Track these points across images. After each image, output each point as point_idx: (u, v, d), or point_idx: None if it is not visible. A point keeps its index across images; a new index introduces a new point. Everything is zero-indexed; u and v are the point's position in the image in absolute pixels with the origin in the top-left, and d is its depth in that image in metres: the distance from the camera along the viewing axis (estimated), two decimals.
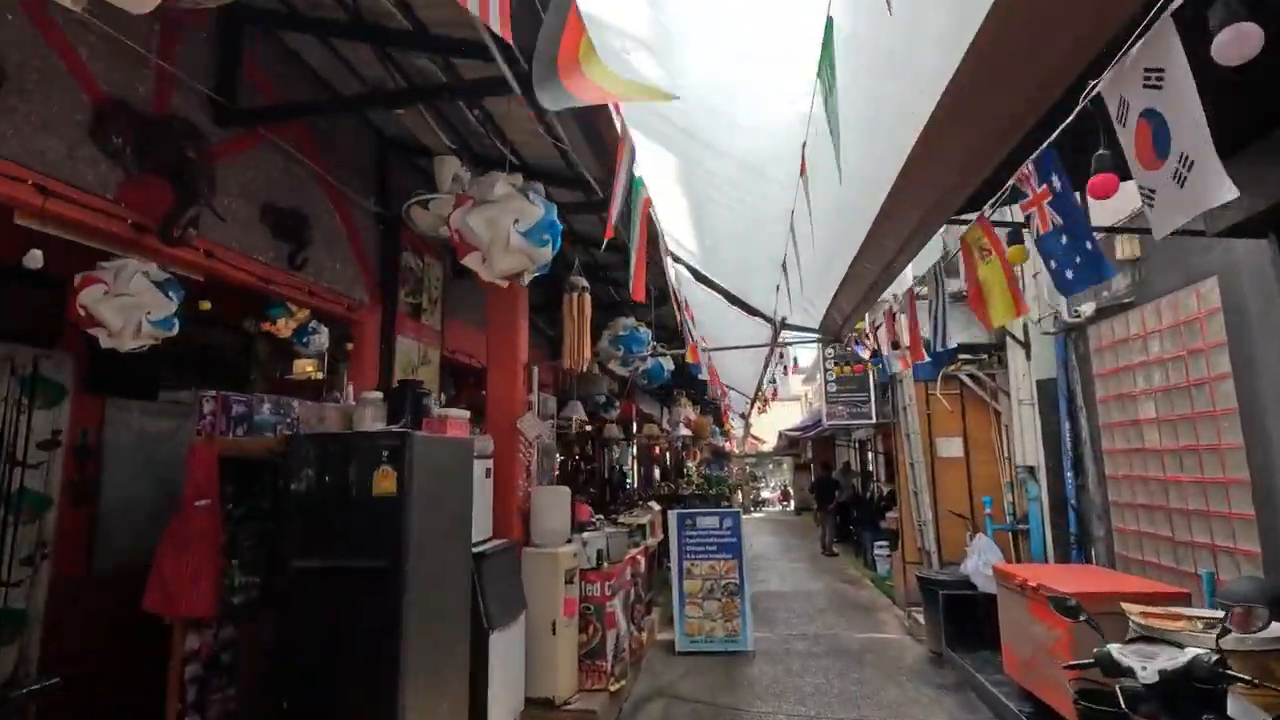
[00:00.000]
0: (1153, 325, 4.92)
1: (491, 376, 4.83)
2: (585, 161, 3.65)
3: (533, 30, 1.53)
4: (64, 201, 2.42)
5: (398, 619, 2.80)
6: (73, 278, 2.65)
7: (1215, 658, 2.25)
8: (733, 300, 4.67)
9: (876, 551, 10.07)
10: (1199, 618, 3.11)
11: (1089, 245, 2.73)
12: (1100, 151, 2.11)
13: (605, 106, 2.49)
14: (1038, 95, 1.92)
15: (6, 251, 2.65)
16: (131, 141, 2.58)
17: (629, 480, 11.64)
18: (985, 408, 7.83)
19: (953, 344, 7.78)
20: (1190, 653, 2.30)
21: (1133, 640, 2.70)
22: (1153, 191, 1.80)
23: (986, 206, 3.46)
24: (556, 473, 7.36)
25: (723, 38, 2.24)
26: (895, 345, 5.60)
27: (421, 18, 2.93)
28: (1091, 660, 2.61)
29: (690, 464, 19.96)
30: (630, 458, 11.78)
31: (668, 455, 19.38)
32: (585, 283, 3.93)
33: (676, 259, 4.63)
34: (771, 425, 27.01)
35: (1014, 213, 3.36)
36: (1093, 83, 1.98)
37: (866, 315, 4.91)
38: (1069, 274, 2.83)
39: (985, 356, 7.59)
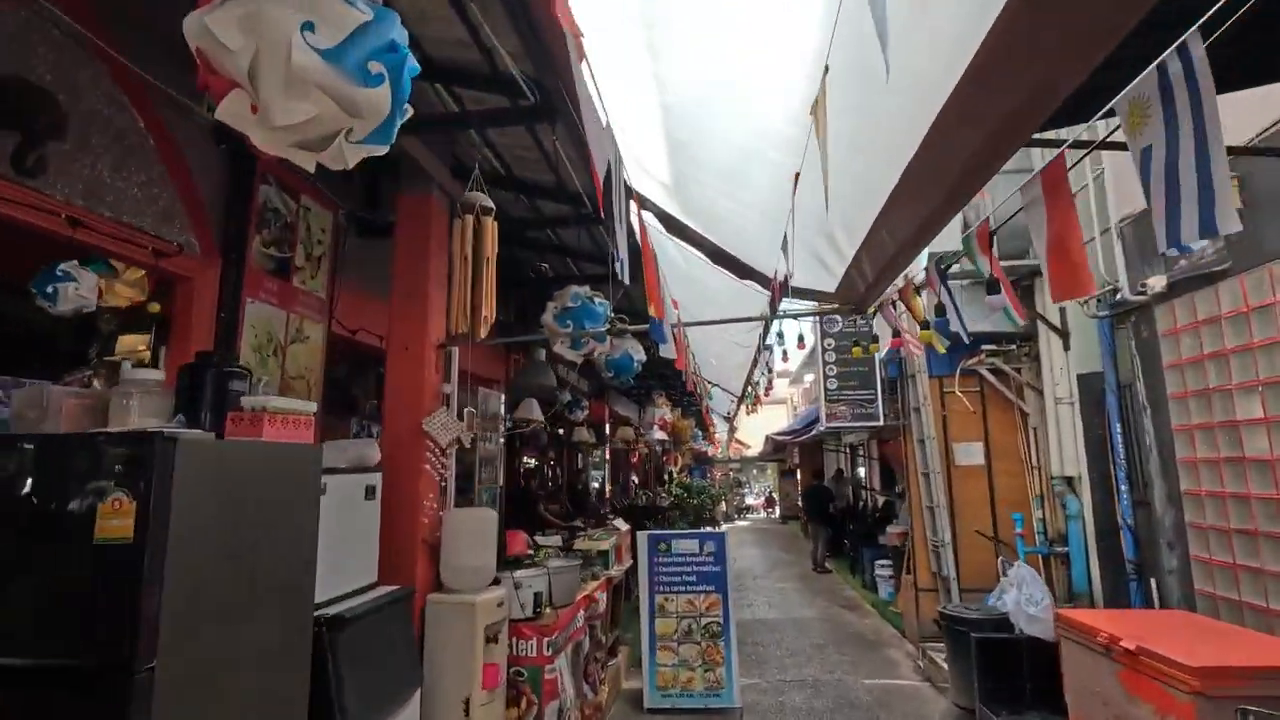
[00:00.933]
0: (1261, 298, 3.80)
1: (391, 359, 3.58)
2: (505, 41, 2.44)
3: None
4: None
5: None
6: None
7: None
8: (720, 258, 3.48)
9: (878, 572, 8.92)
10: None
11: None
12: None
13: None
14: None
15: None
16: None
17: (601, 491, 10.39)
18: (1010, 408, 6.71)
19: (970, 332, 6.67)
20: None
21: None
22: None
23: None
24: (501, 485, 6.14)
25: None
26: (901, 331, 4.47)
27: None
28: None
29: (672, 470, 18.77)
30: (603, 465, 10.55)
31: (648, 462, 18.17)
32: (488, 202, 2.69)
33: (644, 203, 3.43)
34: (757, 429, 25.91)
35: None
36: None
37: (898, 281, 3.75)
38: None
39: (1013, 348, 6.46)
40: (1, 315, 3.49)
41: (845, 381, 6.93)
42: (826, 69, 2.02)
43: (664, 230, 3.52)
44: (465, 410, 3.87)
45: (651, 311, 2.72)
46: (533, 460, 9.45)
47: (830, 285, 3.50)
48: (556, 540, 5.75)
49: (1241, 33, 2.01)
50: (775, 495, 29.16)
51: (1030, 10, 1.53)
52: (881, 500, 12.76)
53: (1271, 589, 3.72)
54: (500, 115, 3.04)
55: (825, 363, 6.97)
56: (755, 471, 41.47)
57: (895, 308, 4.27)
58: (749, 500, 31.25)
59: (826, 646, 6.85)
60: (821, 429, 8.51)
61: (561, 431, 11.52)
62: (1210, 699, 2.64)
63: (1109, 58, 1.69)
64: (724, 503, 21.28)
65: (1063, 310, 5.93)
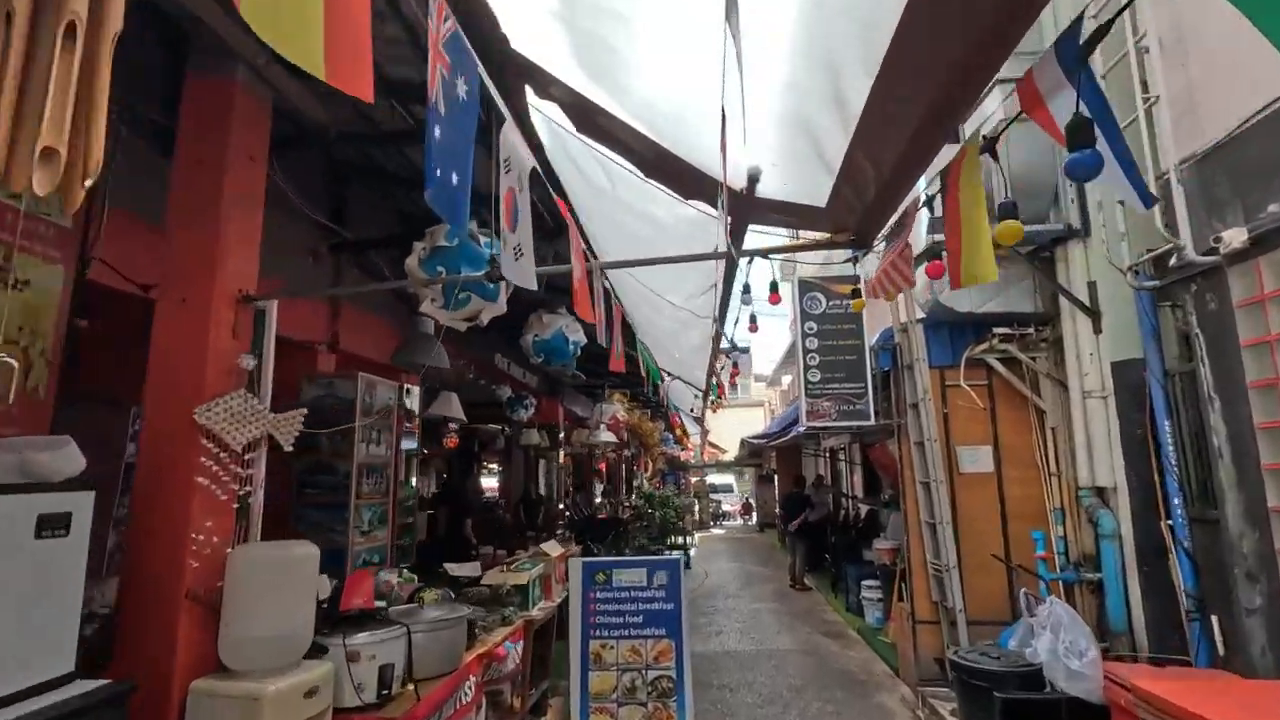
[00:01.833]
0: None
1: (160, 316, 2.39)
2: None
3: None
4: None
5: None
6: None
7: None
8: (653, 166, 2.33)
9: (865, 594, 7.83)
10: None
11: None
12: None
13: None
14: None
15: None
16: None
17: (554, 503, 9.18)
18: (1023, 405, 5.66)
19: (974, 307, 5.61)
20: None
21: None
22: None
23: None
24: (410, 499, 4.95)
25: None
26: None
27: None
28: None
29: (642, 477, 17.61)
30: (557, 472, 9.35)
31: (617, 468, 16.99)
32: None
33: (543, 83, 2.27)
34: (732, 433, 24.86)
35: None
36: None
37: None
38: None
39: (1031, 331, 5.41)
40: None
41: (830, 373, 5.83)
42: None
43: (576, 132, 2.37)
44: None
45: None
46: (491, 469, 8.23)
47: (818, 197, 2.36)
48: (473, 569, 4.58)
49: None
50: (752, 502, 28.12)
51: None
52: (865, 510, 11.73)
53: None
54: None
55: (806, 350, 5.87)
56: (733, 477, 40.45)
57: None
58: (725, 507, 30.16)
59: (807, 689, 5.73)
60: (801, 430, 7.42)
61: (506, 434, 10.33)
62: None
63: None
64: (696, 510, 20.18)
65: (1093, 285, 4.89)
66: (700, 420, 11.21)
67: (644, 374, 5.84)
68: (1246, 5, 1.03)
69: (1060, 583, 5.00)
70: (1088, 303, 4.90)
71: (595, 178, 2.69)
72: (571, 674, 4.02)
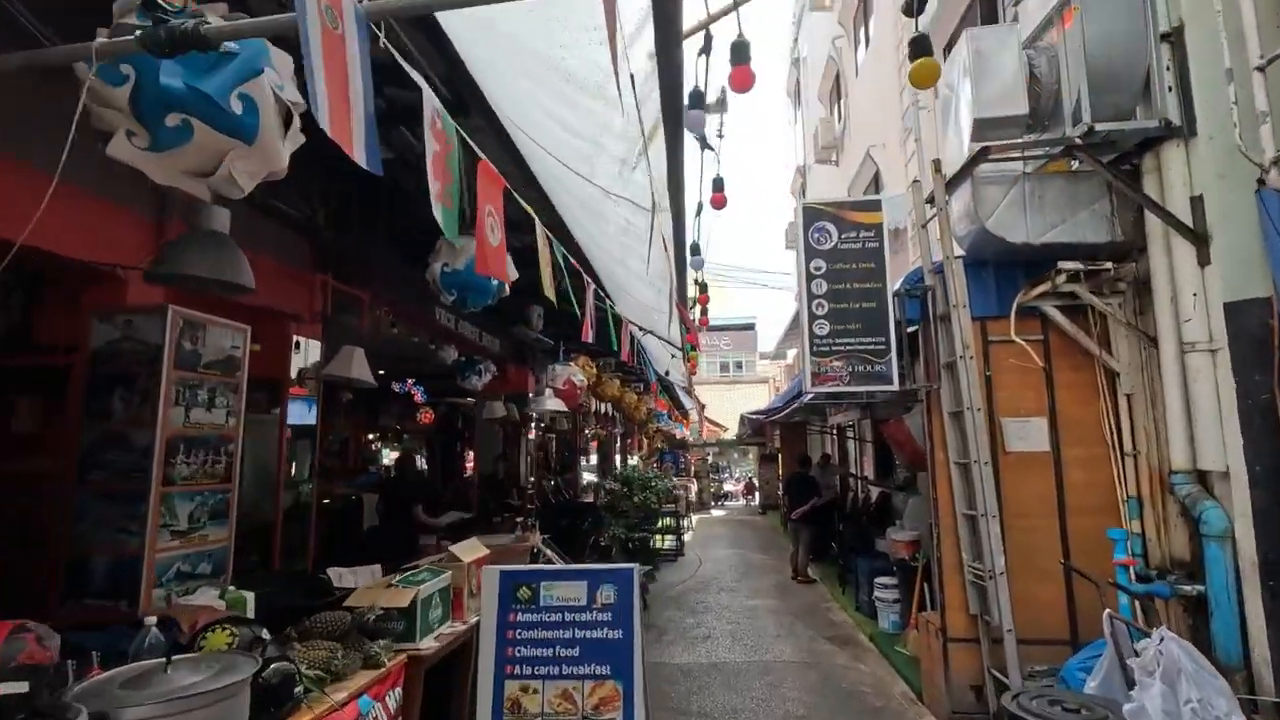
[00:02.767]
0: None
1: None
2: None
3: None
4: None
5: None
6: None
7: None
8: None
9: (878, 594, 6.68)
10: None
11: None
12: None
13: None
14: None
15: None
16: None
17: (523, 485, 8.04)
18: (1089, 364, 4.44)
19: (1032, 236, 4.30)
20: None
21: None
22: None
23: None
24: (306, 482, 3.85)
25: None
26: None
27: None
28: None
29: (635, 457, 16.50)
30: (526, 449, 8.19)
31: (613, 447, 15.88)
32: None
33: None
34: (736, 411, 23.68)
35: None
36: None
37: None
38: None
39: (1107, 268, 4.15)
40: None
41: (842, 325, 4.58)
42: None
43: None
44: None
45: None
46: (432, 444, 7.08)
47: None
48: (366, 577, 3.45)
49: None
50: (755, 481, 27.06)
51: None
52: (876, 494, 10.56)
53: None
54: None
55: (811, 296, 4.61)
56: (736, 456, 39.42)
57: None
58: (728, 486, 29.12)
59: (810, 718, 4.59)
60: (806, 399, 6.22)
61: (461, 405, 9.18)
62: None
63: None
64: (694, 491, 19.09)
65: (1198, 201, 3.63)
66: (689, 390, 10.02)
67: (612, 334, 4.64)
68: None
69: (1151, 598, 3.80)
70: (1190, 224, 3.64)
71: None
72: None
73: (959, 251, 4.51)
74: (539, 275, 3.02)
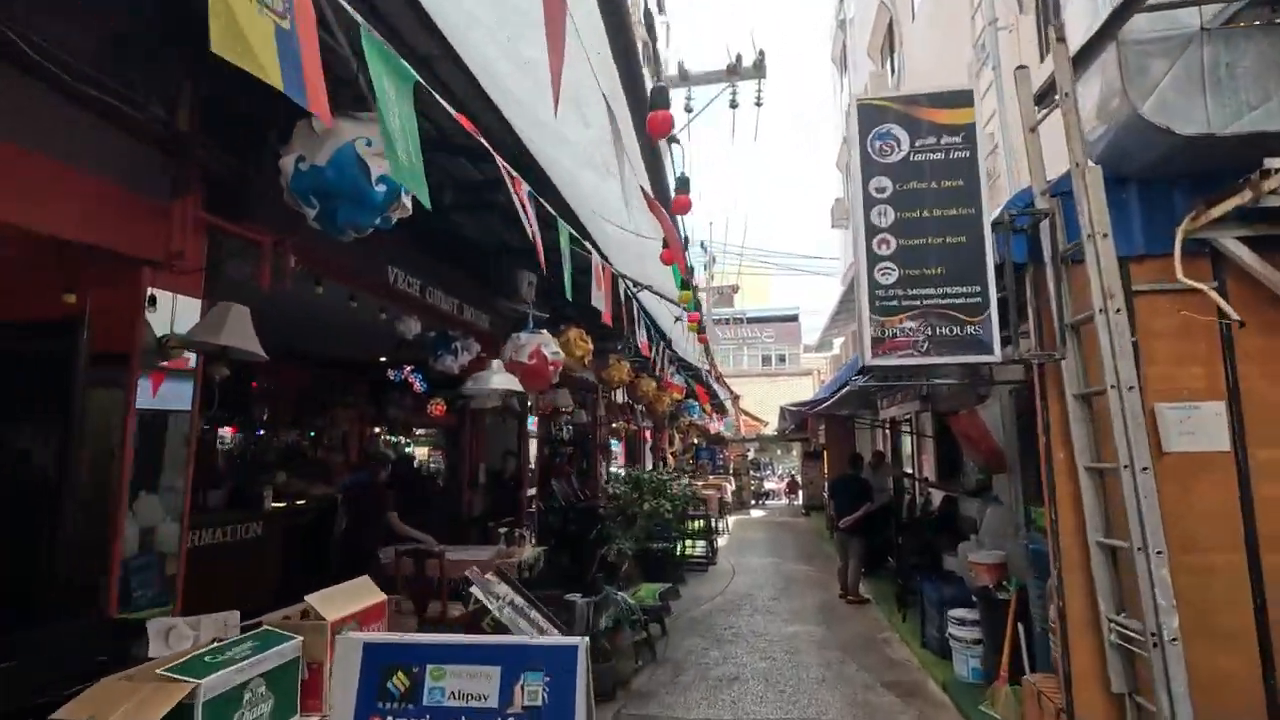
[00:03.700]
0: None
1: None
2: None
3: None
4: None
5: None
6: None
7: None
8: None
9: (953, 629, 5.26)
10: None
11: None
12: None
13: None
14: None
15: None
16: None
17: (520, 484, 6.87)
18: None
19: (1219, 124, 2.78)
20: None
21: None
22: None
23: None
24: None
25: None
26: None
27: None
28: None
29: (668, 452, 15.25)
30: (528, 444, 7.02)
31: (641, 445, 14.70)
32: None
33: None
34: (776, 405, 22.17)
35: None
36: None
37: None
38: None
39: None
40: None
41: (917, 269, 3.18)
42: None
43: None
44: None
45: None
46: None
47: None
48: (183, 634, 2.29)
49: None
50: (798, 478, 25.50)
51: None
52: (939, 499, 9.06)
53: None
54: None
55: (872, 230, 3.24)
56: (779, 452, 37.74)
57: None
58: (768, 484, 27.60)
59: None
60: (860, 383, 4.86)
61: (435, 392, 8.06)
62: None
63: None
64: (729, 491, 17.74)
65: None
66: (715, 374, 8.69)
67: (595, 291, 3.40)
68: None
69: None
70: None
71: None
72: None
73: (1089, 162, 3.09)
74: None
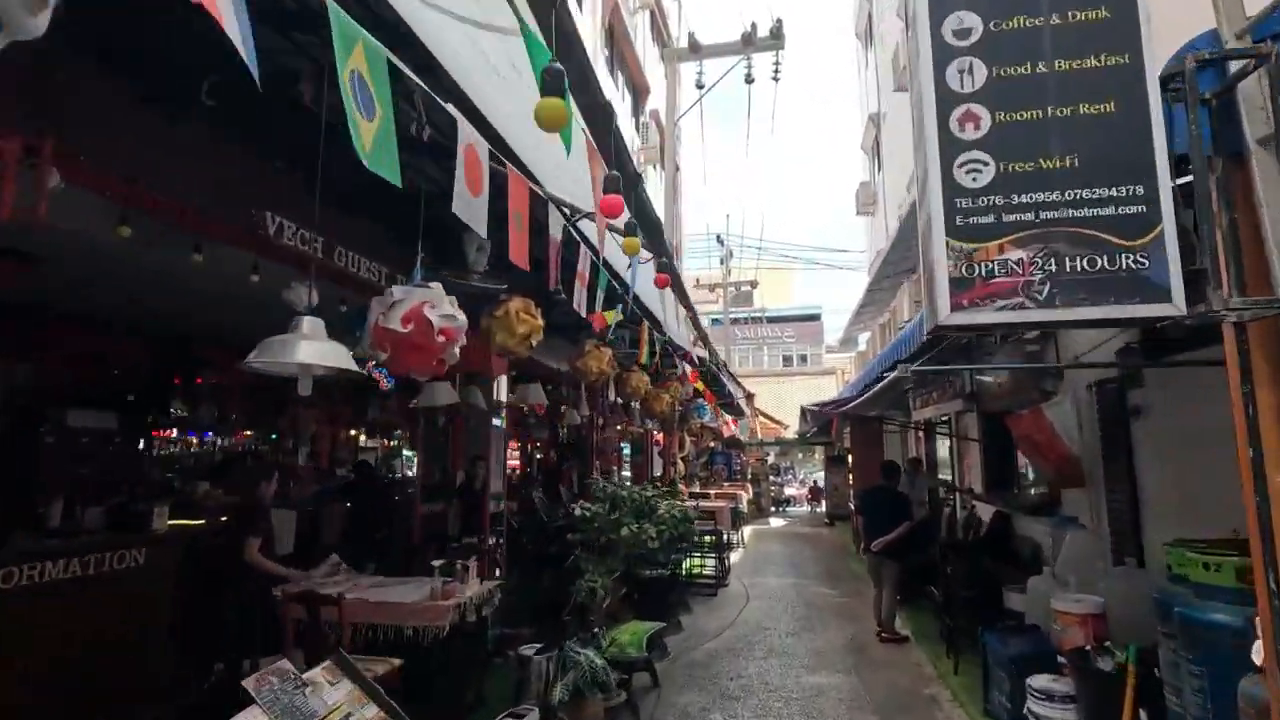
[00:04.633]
0: None
1: None
2: None
3: None
4: None
5: None
6: None
7: None
8: None
9: (1037, 707, 3.88)
10: None
11: None
12: None
13: None
14: None
15: None
16: None
17: (473, 494, 5.67)
18: None
19: None
20: None
21: None
22: None
23: None
24: None
25: None
26: None
27: None
28: None
29: (678, 457, 13.97)
30: (495, 447, 5.81)
31: (647, 451, 13.49)
32: None
33: None
34: (797, 406, 20.77)
35: None
36: None
37: None
38: None
39: None
40: None
41: (1027, 161, 1.89)
42: None
43: None
44: None
45: None
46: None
47: None
48: None
49: None
50: (821, 484, 24.04)
51: None
52: (988, 514, 7.67)
53: None
54: None
55: (947, 98, 1.98)
56: (800, 455, 36.22)
57: None
58: (789, 490, 26.15)
59: None
60: (908, 371, 3.56)
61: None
62: None
63: None
64: (744, 500, 16.42)
65: None
66: (715, 361, 7.41)
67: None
68: None
69: None
70: None
71: None
72: None
73: None
74: None
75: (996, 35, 2.04)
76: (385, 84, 1.64)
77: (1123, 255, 1.87)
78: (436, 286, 2.34)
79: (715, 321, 29.57)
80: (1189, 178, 1.99)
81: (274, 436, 9.24)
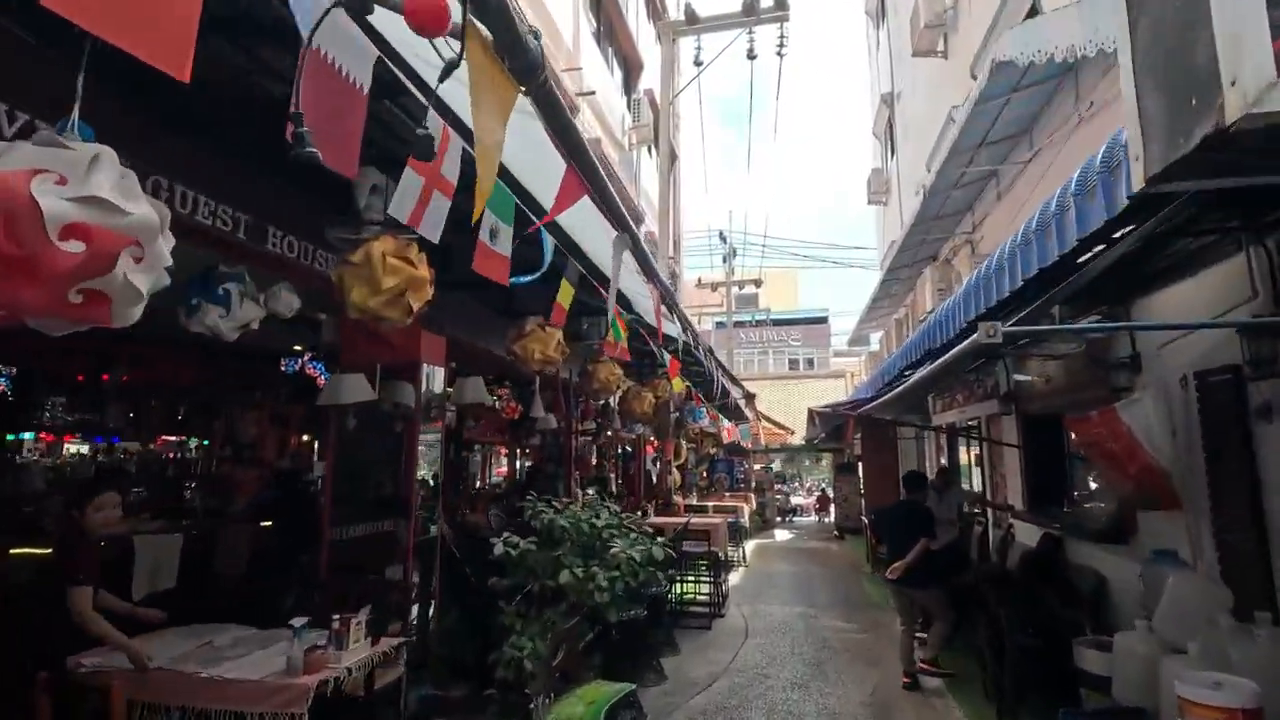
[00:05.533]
0: None
1: None
2: None
3: None
4: None
5: None
6: None
7: None
8: None
9: None
10: None
11: None
12: None
13: None
14: None
15: None
16: None
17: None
18: None
19: None
20: None
21: None
22: None
23: None
24: None
25: None
26: None
27: None
28: None
29: (673, 465, 12.76)
30: (412, 459, 4.63)
31: (637, 459, 12.27)
32: None
33: None
34: (803, 411, 19.53)
35: None
36: None
37: None
38: None
39: None
40: None
41: None
42: None
43: None
44: None
45: None
46: None
47: None
48: None
49: None
50: (830, 492, 22.76)
51: None
52: (1034, 534, 6.43)
53: None
54: None
55: None
56: (806, 463, 34.91)
57: None
58: (796, 499, 24.85)
59: None
60: (996, 330, 2.40)
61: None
62: None
63: None
64: (750, 510, 15.20)
65: None
66: (698, 347, 6.22)
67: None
68: None
69: None
70: None
71: None
72: None
73: None
74: None
75: None
76: None
77: None
78: (85, 147, 1.17)
79: (719, 324, 28.39)
80: None
81: (204, 443, 8.09)
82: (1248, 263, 3.30)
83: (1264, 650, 3.01)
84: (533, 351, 3.64)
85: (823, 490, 25.78)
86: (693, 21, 12.78)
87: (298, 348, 7.13)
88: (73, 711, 2.51)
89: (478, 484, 12.82)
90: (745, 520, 12.95)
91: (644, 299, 4.24)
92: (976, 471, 9.42)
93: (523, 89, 1.90)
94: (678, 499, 12.20)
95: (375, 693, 3.31)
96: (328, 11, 1.43)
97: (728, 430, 15.28)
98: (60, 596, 2.94)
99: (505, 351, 3.77)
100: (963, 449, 10.71)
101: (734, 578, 10.43)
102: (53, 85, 1.69)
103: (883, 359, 14.49)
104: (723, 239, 23.51)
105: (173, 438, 7.97)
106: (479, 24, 1.60)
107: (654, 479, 12.29)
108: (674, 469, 12.67)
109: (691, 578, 8.13)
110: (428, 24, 1.38)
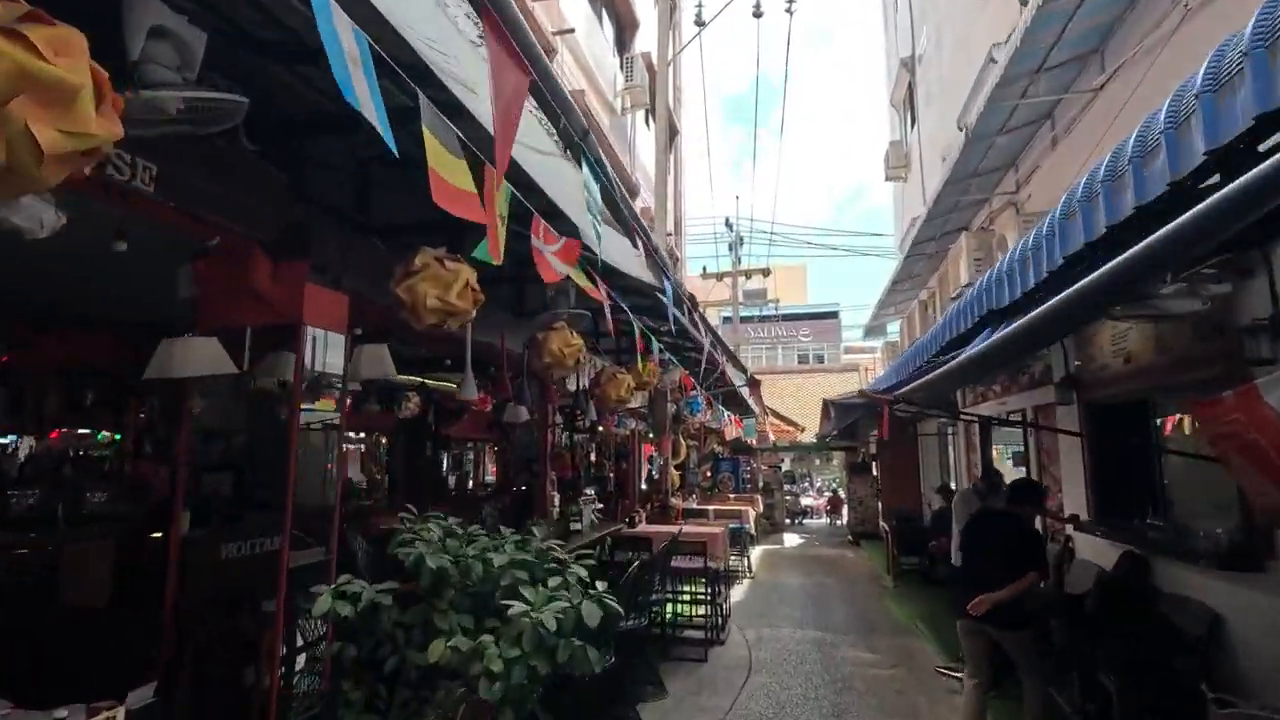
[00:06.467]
0: None
1: None
2: None
3: None
4: None
5: None
6: None
7: None
8: None
9: None
10: None
11: None
12: None
13: None
14: None
15: None
16: None
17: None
18: None
19: None
20: None
21: None
22: None
23: None
24: None
25: None
26: None
27: None
28: None
29: (670, 464, 11.52)
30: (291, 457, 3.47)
31: (630, 456, 11.09)
32: None
33: None
34: (814, 407, 18.22)
35: None
36: None
37: None
38: None
39: None
40: None
41: None
42: None
43: None
44: None
45: None
46: None
47: None
48: None
49: None
50: (841, 493, 21.47)
51: None
52: (1103, 555, 5.13)
53: None
54: None
55: None
56: (817, 462, 33.56)
57: None
58: (805, 500, 23.57)
59: None
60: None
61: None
62: None
63: None
64: (756, 514, 13.94)
65: None
66: (699, 325, 4.95)
67: None
68: None
69: None
70: None
71: None
72: None
73: None
74: None
75: None
76: None
77: None
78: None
79: (725, 319, 27.04)
80: None
81: (118, 436, 6.93)
82: None
83: None
84: (424, 296, 2.42)
85: (834, 491, 24.46)
86: None
87: None
88: None
89: (469, 485, 11.70)
90: (750, 526, 11.68)
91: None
92: (1018, 474, 8.15)
93: None
94: (676, 502, 10.97)
95: None
96: None
97: (735, 421, 14.00)
98: None
99: (393, 300, 2.55)
100: (998, 447, 9.43)
101: (737, 592, 9.20)
102: None
103: (903, 349, 13.22)
104: (729, 226, 22.22)
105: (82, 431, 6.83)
106: None
107: (654, 478, 11.07)
108: (672, 469, 11.43)
109: (686, 596, 6.93)
110: None
